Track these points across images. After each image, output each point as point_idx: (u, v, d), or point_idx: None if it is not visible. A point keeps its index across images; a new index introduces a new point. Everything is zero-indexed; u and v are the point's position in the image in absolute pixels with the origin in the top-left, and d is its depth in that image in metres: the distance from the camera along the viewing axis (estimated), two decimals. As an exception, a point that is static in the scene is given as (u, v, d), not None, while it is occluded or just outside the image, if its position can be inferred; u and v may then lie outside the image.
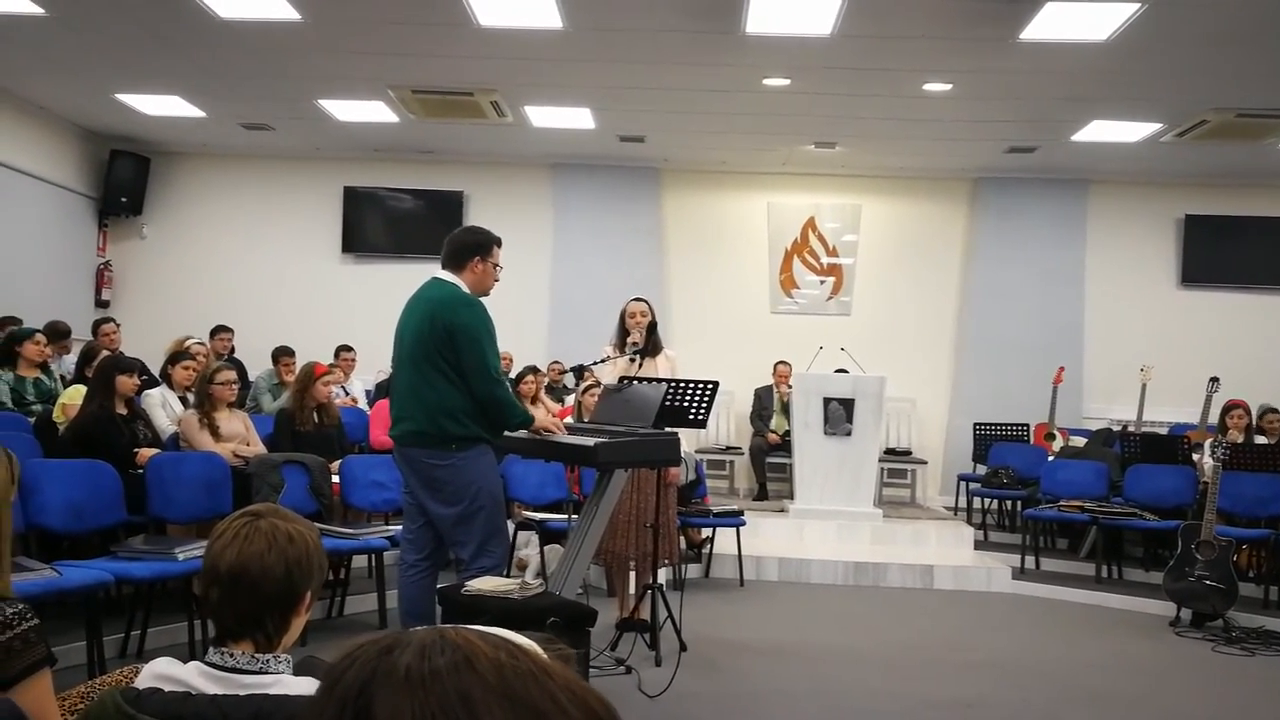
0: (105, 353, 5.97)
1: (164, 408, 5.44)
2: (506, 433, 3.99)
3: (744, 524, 6.50)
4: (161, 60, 7.07)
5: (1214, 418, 7.26)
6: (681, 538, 6.07)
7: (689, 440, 6.78)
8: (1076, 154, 8.64)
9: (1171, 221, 9.55)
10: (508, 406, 3.76)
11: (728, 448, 9.18)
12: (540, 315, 9.50)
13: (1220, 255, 9.37)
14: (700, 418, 4.26)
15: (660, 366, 4.80)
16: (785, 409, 8.57)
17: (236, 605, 1.51)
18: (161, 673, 1.48)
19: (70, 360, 6.72)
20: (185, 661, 1.52)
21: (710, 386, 4.25)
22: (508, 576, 3.92)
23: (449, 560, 3.92)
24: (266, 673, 1.50)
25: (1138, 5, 5.48)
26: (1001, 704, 4.21)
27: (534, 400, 7.18)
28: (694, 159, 9.39)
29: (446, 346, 3.61)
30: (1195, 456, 6.91)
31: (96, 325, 7.02)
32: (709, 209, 9.74)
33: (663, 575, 5.13)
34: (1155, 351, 8.88)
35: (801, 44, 6.24)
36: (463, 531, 3.70)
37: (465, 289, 3.74)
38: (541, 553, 5.62)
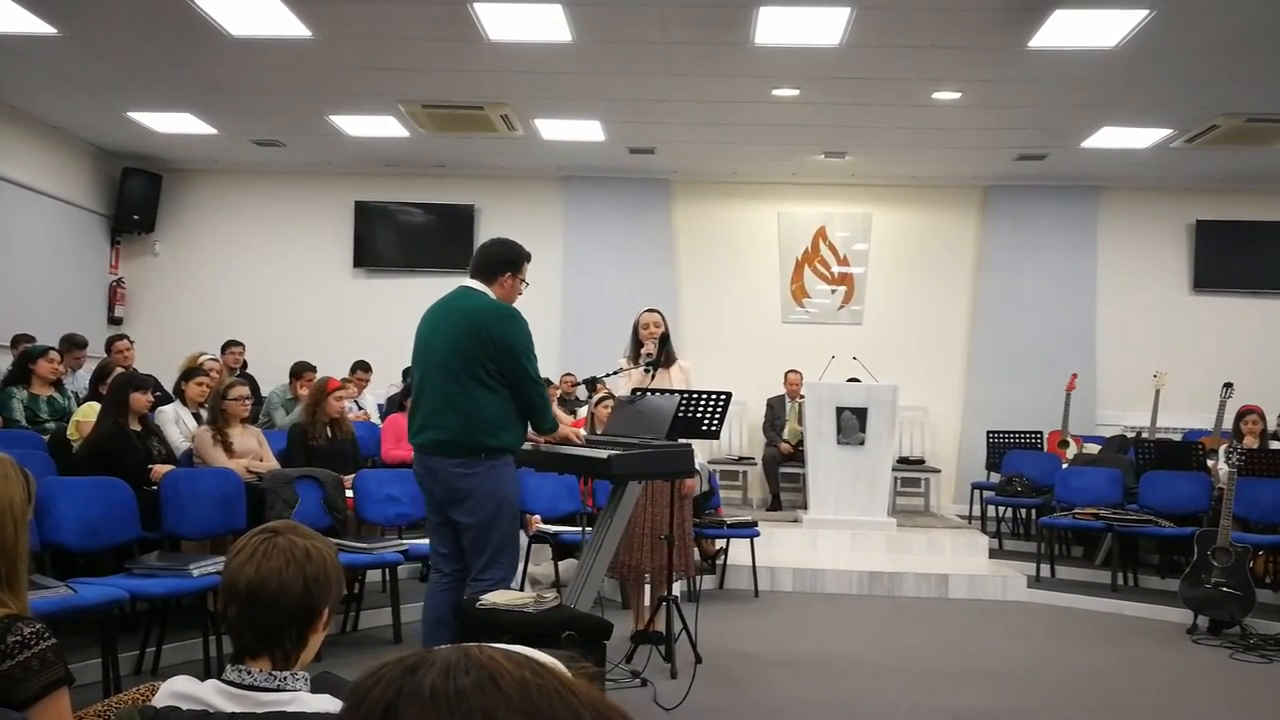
0: (119, 370, 6.00)
1: (178, 424, 5.46)
2: (542, 440, 4.01)
3: (758, 535, 6.48)
4: (173, 78, 7.13)
5: (1228, 423, 7.22)
6: (695, 549, 6.05)
7: (702, 451, 6.77)
8: (1087, 161, 8.62)
9: (1183, 227, 9.51)
10: (547, 409, 3.84)
11: (741, 458, 9.17)
12: (552, 327, 9.51)
13: (1232, 260, 9.32)
14: (714, 428, 4.25)
15: (674, 377, 4.80)
16: (799, 418, 8.55)
17: (254, 622, 1.51)
18: (179, 691, 1.49)
19: (84, 377, 6.76)
20: (202, 679, 1.52)
21: (723, 397, 4.24)
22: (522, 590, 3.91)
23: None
24: (284, 690, 1.50)
25: (1146, 12, 5.48)
26: (1021, 714, 4.18)
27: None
28: (704, 170, 9.41)
29: (490, 359, 3.60)
30: (1210, 462, 6.86)
31: (110, 342, 7.05)
32: (719, 219, 9.75)
33: (677, 587, 5.12)
34: (1168, 357, 8.83)
35: (811, 54, 6.25)
36: (481, 540, 3.71)
37: (494, 298, 3.75)
38: (556, 566, 5.61)
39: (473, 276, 3.79)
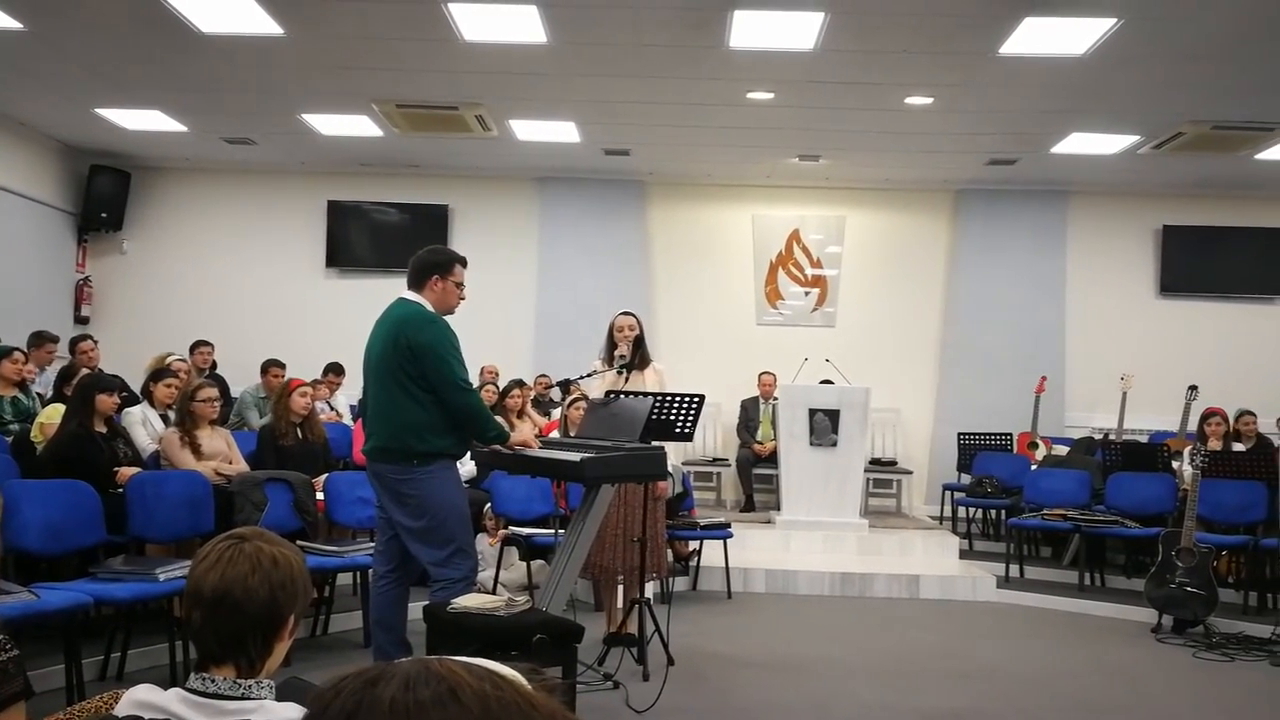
0: (84, 371, 5.92)
1: (145, 426, 5.39)
2: (490, 448, 4.00)
3: (731, 536, 6.49)
4: (142, 75, 7.04)
5: (1193, 425, 7.33)
6: (668, 550, 6.06)
7: (676, 452, 6.77)
8: (1056, 166, 8.72)
9: (1150, 232, 9.65)
10: (483, 417, 3.85)
11: (715, 459, 9.19)
12: (526, 329, 9.50)
13: (1198, 265, 9.47)
14: (687, 431, 4.26)
15: (649, 380, 4.80)
16: (773, 420, 8.58)
17: (219, 628, 1.50)
18: (141, 700, 1.47)
19: (49, 378, 6.66)
20: (168, 685, 1.51)
21: (696, 399, 4.25)
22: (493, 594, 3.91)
23: (421, 574, 3.94)
24: (249, 698, 1.48)
25: (1114, 20, 5.55)
26: (990, 714, 4.22)
27: (520, 414, 7.16)
28: (679, 172, 9.42)
29: (410, 364, 3.68)
30: (1175, 464, 6.97)
31: (74, 343, 6.95)
32: (694, 222, 9.77)
33: (650, 588, 5.12)
34: (1135, 360, 8.95)
35: (785, 58, 6.28)
36: (427, 544, 3.75)
37: (429, 307, 3.79)
38: (528, 568, 5.60)
39: (408, 286, 3.87)
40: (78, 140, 8.99)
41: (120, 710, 1.46)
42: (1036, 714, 4.26)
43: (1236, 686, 4.81)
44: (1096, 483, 7.14)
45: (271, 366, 7.31)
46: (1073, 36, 5.82)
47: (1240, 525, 6.24)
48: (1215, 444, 6.79)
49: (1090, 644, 5.52)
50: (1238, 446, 6.92)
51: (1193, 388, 7.72)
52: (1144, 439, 8.30)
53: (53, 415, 5.21)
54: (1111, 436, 8.20)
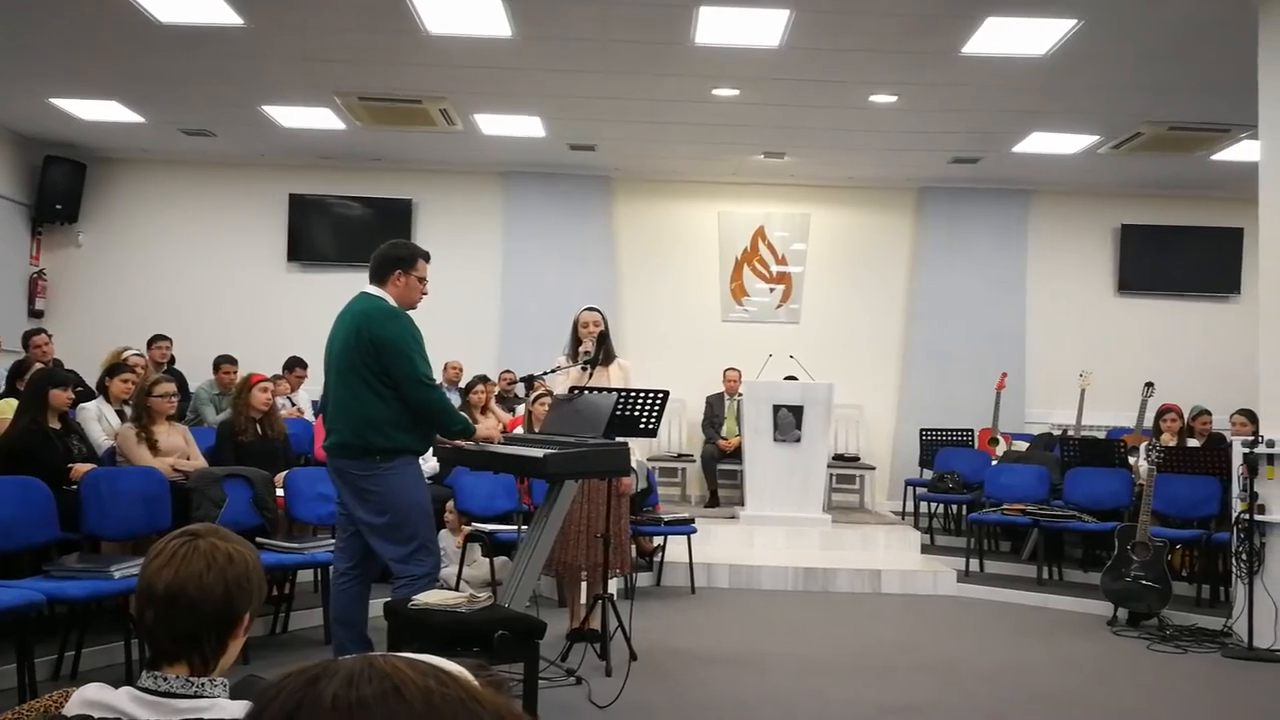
0: (38, 365, 5.80)
1: (100, 421, 5.29)
2: (456, 443, 3.98)
3: (695, 531, 6.51)
4: (98, 64, 6.90)
5: (1149, 421, 7.47)
6: (632, 546, 6.06)
7: (640, 448, 6.79)
8: (1017, 165, 8.84)
9: (1108, 231, 9.82)
10: (446, 412, 3.83)
11: (680, 455, 9.21)
12: (491, 324, 9.46)
13: (1155, 263, 9.66)
14: (651, 427, 4.26)
15: (613, 376, 4.80)
16: (738, 416, 8.62)
17: (173, 626, 1.47)
18: (91, 699, 1.44)
19: (0, 372, 6.51)
20: (121, 684, 1.48)
21: (660, 395, 4.26)
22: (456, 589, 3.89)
23: (382, 570, 3.91)
24: (202, 696, 1.46)
25: (1075, 21, 5.64)
26: (950, 707, 4.27)
27: (484, 410, 7.13)
28: (645, 168, 9.42)
29: (373, 359, 3.66)
30: (1131, 460, 7.10)
31: (28, 337, 6.80)
32: (660, 218, 9.78)
33: (613, 584, 5.12)
34: (1093, 357, 9.11)
35: (750, 55, 6.30)
36: (390, 541, 3.73)
37: (391, 302, 3.76)
38: (491, 564, 5.58)
39: (370, 281, 3.83)
40: (32, 130, 8.79)
41: (69, 709, 1.44)
42: (995, 707, 4.33)
43: (1189, 677, 4.91)
44: (1055, 478, 7.25)
45: (224, 363, 7.18)
46: (1034, 37, 5.90)
47: (1194, 520, 6.36)
48: (1170, 440, 6.93)
49: (1048, 637, 5.61)
50: (1192, 442, 7.07)
51: (1149, 384, 7.87)
52: (1101, 435, 8.44)
53: (5, 410, 5.10)
54: (1070, 432, 8.33)
